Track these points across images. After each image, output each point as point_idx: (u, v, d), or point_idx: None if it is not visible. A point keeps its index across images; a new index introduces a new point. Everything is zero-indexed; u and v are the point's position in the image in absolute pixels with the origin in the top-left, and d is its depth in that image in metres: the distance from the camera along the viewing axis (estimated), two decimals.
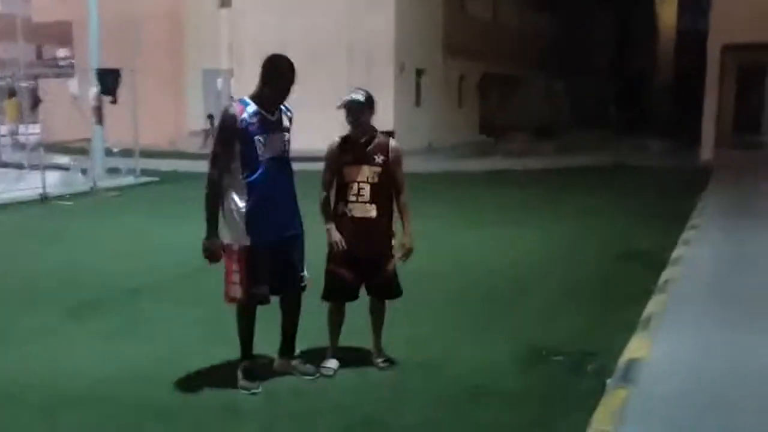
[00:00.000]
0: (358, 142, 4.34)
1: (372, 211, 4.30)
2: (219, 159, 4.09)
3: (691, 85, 25.17)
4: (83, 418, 3.90)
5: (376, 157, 4.31)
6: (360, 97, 4.30)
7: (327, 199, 4.40)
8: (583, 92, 33.27)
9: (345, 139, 4.40)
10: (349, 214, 4.31)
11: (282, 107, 4.24)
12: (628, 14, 37.26)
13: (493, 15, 28.35)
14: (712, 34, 18.49)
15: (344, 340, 4.60)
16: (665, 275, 6.65)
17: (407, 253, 4.46)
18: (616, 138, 24.37)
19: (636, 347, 4.77)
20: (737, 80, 21.68)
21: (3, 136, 19.04)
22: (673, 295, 5.94)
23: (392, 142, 4.43)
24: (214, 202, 4.09)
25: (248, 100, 4.14)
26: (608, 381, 4.27)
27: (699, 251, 7.71)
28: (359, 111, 4.29)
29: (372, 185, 4.29)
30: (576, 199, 12.29)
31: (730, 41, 18.04)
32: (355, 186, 4.30)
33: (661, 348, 4.73)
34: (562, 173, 16.37)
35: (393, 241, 4.47)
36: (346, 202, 4.32)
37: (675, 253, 7.54)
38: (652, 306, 5.71)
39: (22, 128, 16.89)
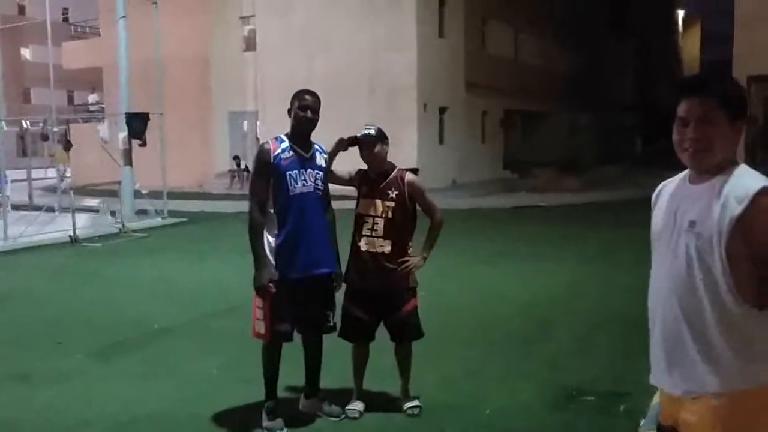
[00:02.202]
0: (373, 177, 4.35)
1: (386, 247, 4.26)
2: (256, 193, 4.15)
3: None
4: None
5: (390, 191, 4.28)
6: (372, 131, 4.33)
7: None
8: (608, 126, 33.24)
9: (362, 171, 4.41)
10: (363, 249, 4.29)
11: (317, 146, 4.29)
12: (650, 46, 37.35)
13: (514, 52, 28.58)
14: (737, 65, 18.41)
15: (372, 381, 4.53)
16: None
17: (415, 264, 4.27)
18: (641, 171, 24.21)
19: None
20: (764, 112, 21.48)
21: (34, 180, 19.44)
22: None
23: (408, 176, 4.37)
24: (258, 236, 4.11)
25: (283, 137, 4.23)
26: (642, 421, 4.15)
27: None
28: (372, 144, 4.31)
29: (386, 220, 4.26)
30: (603, 235, 12.16)
31: (756, 72, 17.93)
32: (370, 220, 4.29)
33: None
34: (587, 208, 16.26)
35: (412, 279, 4.38)
36: (360, 236, 4.31)
37: None
38: None
39: (51, 172, 17.20)
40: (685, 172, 2.19)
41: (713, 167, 2.06)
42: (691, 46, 42.64)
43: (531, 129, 29.98)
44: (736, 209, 1.95)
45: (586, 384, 4.85)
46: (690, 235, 2.04)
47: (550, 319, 6.69)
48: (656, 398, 4.39)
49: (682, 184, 2.18)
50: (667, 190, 2.24)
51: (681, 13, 48.03)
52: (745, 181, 2.00)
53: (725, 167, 2.05)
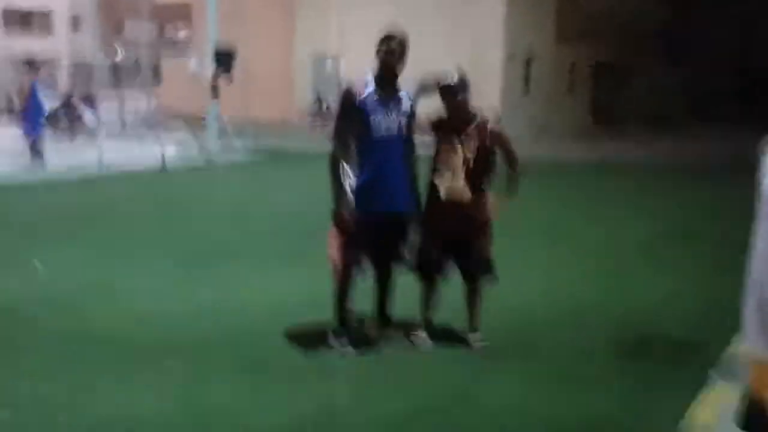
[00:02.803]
0: (456, 124, 4.32)
1: (466, 194, 4.27)
2: (339, 133, 4.20)
3: None
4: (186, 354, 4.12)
5: (472, 140, 4.26)
6: (454, 79, 4.27)
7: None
8: (702, 85, 31.62)
9: (442, 121, 4.38)
10: (443, 196, 4.29)
11: (404, 92, 4.28)
12: (758, 11, 34.97)
13: (608, 2, 27.32)
14: None
15: (439, 317, 4.59)
16: None
17: (498, 212, 4.35)
18: (735, 132, 23.01)
19: None
20: None
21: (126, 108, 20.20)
22: None
23: (491, 125, 4.36)
24: (337, 174, 4.18)
25: (369, 80, 4.23)
26: (715, 374, 4.08)
27: None
28: (454, 93, 4.27)
29: (467, 169, 4.25)
30: (691, 192, 11.67)
31: None
32: (450, 168, 4.27)
33: None
34: (677, 166, 15.57)
35: (489, 224, 4.39)
36: (441, 183, 4.30)
37: None
38: None
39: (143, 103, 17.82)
40: None
41: None
42: None
43: (622, 83, 28.81)
44: None
45: (661, 335, 4.79)
46: None
47: (626, 271, 6.57)
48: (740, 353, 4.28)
49: None
50: None
51: None
52: None
53: None
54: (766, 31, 36.05)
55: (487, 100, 18.28)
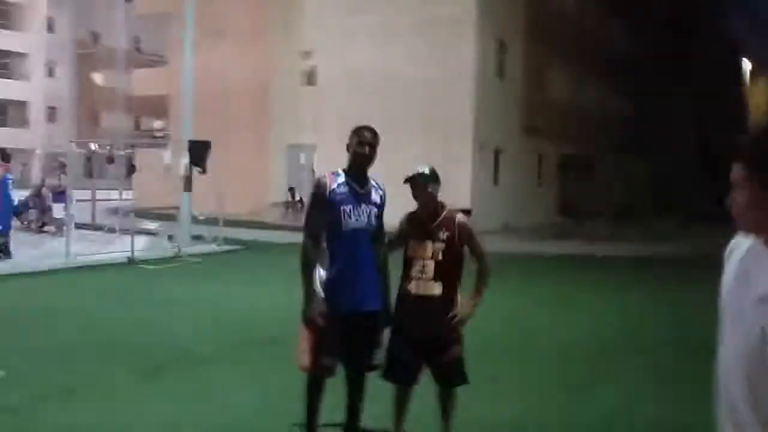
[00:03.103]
0: (424, 218, 4.34)
1: (436, 289, 4.23)
2: (311, 226, 4.19)
3: None
4: None
5: (441, 233, 4.25)
6: (424, 170, 4.34)
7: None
8: (666, 174, 32.64)
9: (412, 214, 4.41)
10: (413, 292, 4.26)
11: (374, 183, 4.32)
12: (716, 92, 36.68)
13: (572, 96, 28.47)
14: None
15: (412, 426, 4.47)
16: None
17: (465, 317, 4.24)
18: (698, 224, 23.58)
19: None
20: None
21: (99, 201, 20.13)
22: None
23: (459, 217, 4.34)
24: (310, 269, 4.14)
25: (340, 171, 4.26)
26: None
27: None
28: (424, 184, 4.32)
29: (437, 262, 4.23)
30: (659, 288, 11.83)
31: None
32: (420, 263, 4.26)
33: None
34: (644, 261, 15.88)
35: (460, 329, 4.32)
36: (410, 279, 4.29)
37: None
38: None
39: (115, 194, 17.81)
40: None
41: None
42: (760, 93, 41.64)
43: (588, 175, 29.65)
44: None
45: None
46: (762, 311, 1.75)
47: (603, 367, 6.52)
48: None
49: (755, 246, 1.83)
50: (740, 249, 1.91)
51: (747, 62, 47.06)
52: None
53: None
54: (719, 109, 37.72)
55: (457, 190, 18.71)
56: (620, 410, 5.42)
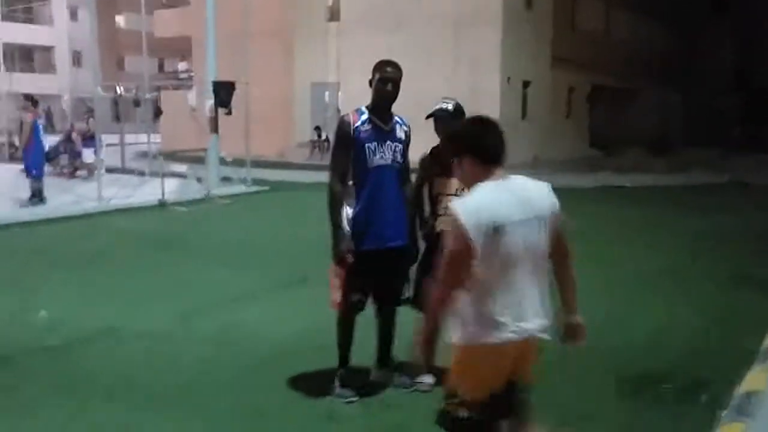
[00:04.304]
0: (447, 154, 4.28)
1: None
2: (336, 165, 4.16)
3: None
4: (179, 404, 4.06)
5: None
6: (449, 106, 4.25)
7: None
8: (701, 107, 31.76)
9: (435, 150, 4.35)
10: (437, 229, 4.23)
11: (398, 119, 4.26)
12: (753, 28, 35.19)
13: (604, 26, 27.60)
14: None
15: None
16: None
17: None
18: (736, 155, 23.07)
19: (754, 379, 4.45)
20: None
21: (128, 144, 20.27)
22: None
23: None
24: (337, 209, 4.15)
25: (364, 109, 4.21)
26: (722, 413, 4.01)
27: None
28: (447, 120, 4.24)
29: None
30: (690, 220, 11.67)
31: None
32: (445, 199, 4.23)
33: None
34: (675, 190, 15.64)
35: None
36: (436, 215, 4.25)
37: None
38: None
39: (143, 138, 17.93)
40: None
41: None
42: None
43: (619, 107, 28.97)
44: None
45: (665, 372, 4.71)
46: None
47: (630, 304, 6.51)
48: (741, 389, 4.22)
49: None
50: None
51: None
52: None
53: None
54: (762, 50, 36.29)
55: None
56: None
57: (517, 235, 2.52)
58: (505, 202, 2.57)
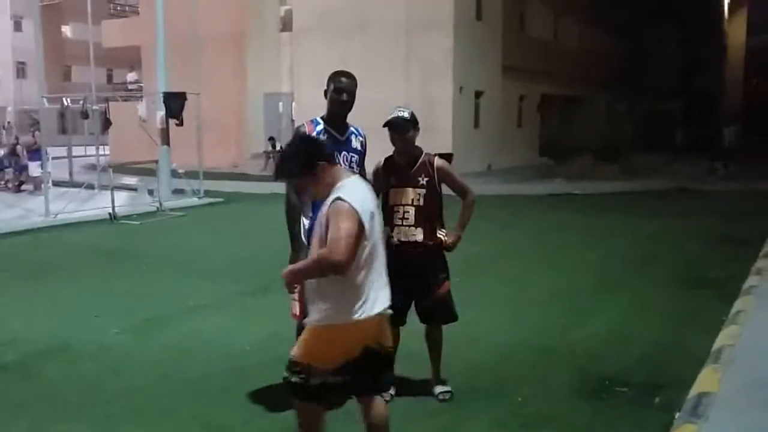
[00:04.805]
0: (402, 164, 4.28)
1: (418, 235, 4.22)
2: None
3: (763, 106, 24.34)
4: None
5: (420, 178, 4.23)
6: (405, 114, 4.27)
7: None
8: (647, 113, 32.61)
9: (389, 160, 4.36)
10: (395, 239, 4.23)
11: (353, 129, 4.26)
12: (694, 32, 36.36)
13: (553, 35, 28.13)
14: None
15: (402, 365, 4.52)
16: (737, 306, 6.37)
17: (455, 242, 4.30)
18: (680, 161, 23.75)
19: (706, 380, 4.57)
20: None
21: (76, 157, 19.79)
22: (746, 327, 5.67)
23: (437, 161, 4.30)
24: (294, 218, 4.11)
25: (319, 120, 4.20)
26: (677, 415, 4.10)
27: None
28: (403, 128, 4.26)
29: (417, 208, 4.21)
30: (640, 224, 11.96)
31: None
32: (400, 209, 4.24)
33: (732, 382, 4.51)
34: (625, 197, 16.00)
35: (447, 265, 4.39)
36: (392, 226, 4.26)
37: (747, 283, 7.22)
38: (723, 338, 5.46)
39: (91, 150, 17.53)
40: None
41: None
42: (736, 34, 41.36)
43: (569, 115, 29.55)
44: None
45: (621, 374, 4.79)
46: None
47: (586, 308, 6.62)
48: (693, 391, 4.33)
49: None
50: None
51: None
52: None
53: None
54: (704, 52, 37.54)
55: (438, 134, 18.60)
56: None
57: (377, 222, 3.04)
58: (369, 194, 3.10)
